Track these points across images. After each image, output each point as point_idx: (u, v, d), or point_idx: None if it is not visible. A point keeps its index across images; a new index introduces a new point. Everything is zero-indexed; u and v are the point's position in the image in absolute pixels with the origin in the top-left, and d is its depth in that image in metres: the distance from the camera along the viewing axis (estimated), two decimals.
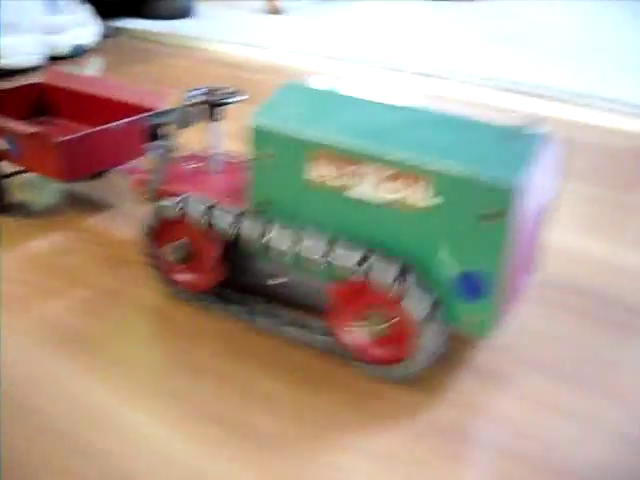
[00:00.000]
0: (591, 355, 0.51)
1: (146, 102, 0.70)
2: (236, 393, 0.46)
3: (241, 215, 0.50)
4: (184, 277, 0.54)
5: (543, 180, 0.45)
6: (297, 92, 0.51)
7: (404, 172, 0.43)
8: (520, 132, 0.43)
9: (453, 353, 0.50)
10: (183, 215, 0.51)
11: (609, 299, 0.58)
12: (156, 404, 0.45)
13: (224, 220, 0.50)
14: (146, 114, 0.67)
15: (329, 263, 0.46)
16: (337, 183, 0.46)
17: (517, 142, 0.43)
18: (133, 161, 0.67)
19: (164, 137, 0.56)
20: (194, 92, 0.57)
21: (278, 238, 0.48)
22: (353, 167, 0.45)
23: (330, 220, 0.47)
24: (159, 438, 0.42)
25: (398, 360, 0.46)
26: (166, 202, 0.52)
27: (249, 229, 0.49)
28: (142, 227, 0.54)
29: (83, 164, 0.64)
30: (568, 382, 0.48)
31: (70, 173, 0.63)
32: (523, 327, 0.52)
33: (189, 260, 0.53)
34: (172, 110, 0.58)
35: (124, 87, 0.75)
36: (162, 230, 0.54)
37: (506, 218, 0.41)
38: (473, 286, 0.44)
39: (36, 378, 0.47)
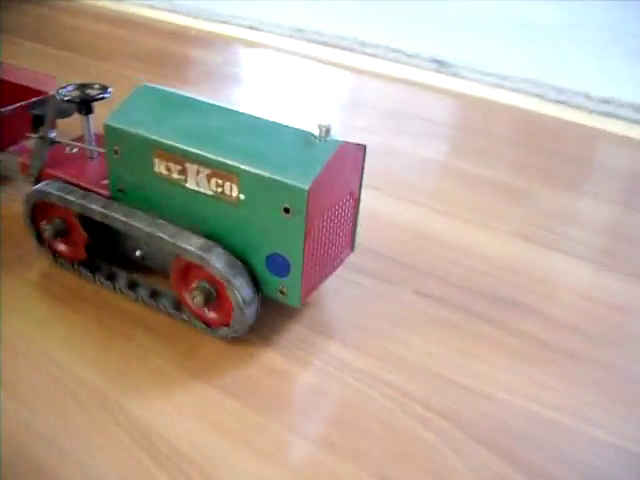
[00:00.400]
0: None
1: (36, 85, 0.77)
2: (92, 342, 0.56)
3: (105, 201, 0.59)
4: (60, 249, 0.64)
5: (338, 178, 0.54)
6: (149, 94, 0.59)
7: (218, 171, 0.52)
8: (320, 139, 0.52)
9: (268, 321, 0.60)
10: (54, 198, 0.60)
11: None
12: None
13: (88, 204, 0.59)
14: (33, 99, 0.74)
15: (174, 244, 0.55)
16: (176, 176, 0.55)
17: (315, 148, 0.52)
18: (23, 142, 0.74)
19: (43, 125, 0.64)
20: (67, 88, 0.64)
21: (135, 220, 0.57)
22: (182, 164, 0.54)
23: (174, 206, 0.56)
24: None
25: (225, 324, 0.56)
26: (40, 186, 0.61)
27: (109, 212, 0.58)
28: (23, 206, 0.63)
29: None
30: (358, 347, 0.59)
31: None
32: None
33: (62, 236, 0.62)
34: (49, 102, 0.66)
35: (14, 69, 0.81)
36: (40, 209, 0.63)
37: (302, 212, 0.50)
38: (280, 265, 0.53)
39: None
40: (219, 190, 0.53)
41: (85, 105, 0.64)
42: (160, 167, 0.55)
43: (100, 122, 0.59)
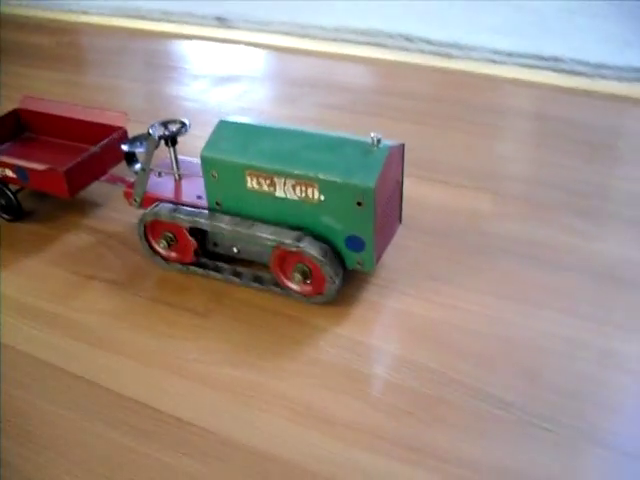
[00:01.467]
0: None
1: (110, 121, 0.93)
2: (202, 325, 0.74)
3: (206, 213, 0.76)
4: (171, 255, 0.81)
5: (391, 173, 0.72)
6: (229, 127, 0.75)
7: (301, 181, 0.70)
8: (374, 146, 0.69)
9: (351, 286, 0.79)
10: (164, 216, 0.77)
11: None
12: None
13: (194, 217, 0.76)
14: (116, 134, 0.91)
15: (274, 239, 0.73)
16: (266, 189, 0.72)
17: (372, 154, 0.69)
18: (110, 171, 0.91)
19: (145, 158, 0.80)
20: (154, 126, 0.81)
21: (235, 225, 0.74)
22: (271, 179, 0.71)
23: (265, 211, 0.74)
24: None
25: (319, 292, 0.74)
26: (153, 208, 0.78)
27: (212, 221, 0.76)
28: (138, 227, 0.80)
29: (81, 182, 0.88)
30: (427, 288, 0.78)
31: (72, 191, 0.87)
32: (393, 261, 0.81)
33: (173, 245, 0.80)
34: (141, 139, 0.83)
35: (87, 109, 0.97)
36: (151, 226, 0.80)
37: (371, 203, 0.68)
38: (357, 243, 0.71)
39: None
40: (303, 195, 0.71)
41: (172, 139, 0.81)
42: (252, 183, 0.73)
43: None
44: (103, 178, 0.90)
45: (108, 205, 0.95)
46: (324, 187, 0.69)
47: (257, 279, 0.78)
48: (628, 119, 1.16)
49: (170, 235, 0.79)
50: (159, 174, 0.84)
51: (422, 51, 1.44)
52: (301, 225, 0.73)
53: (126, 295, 0.79)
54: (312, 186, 0.70)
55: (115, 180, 0.90)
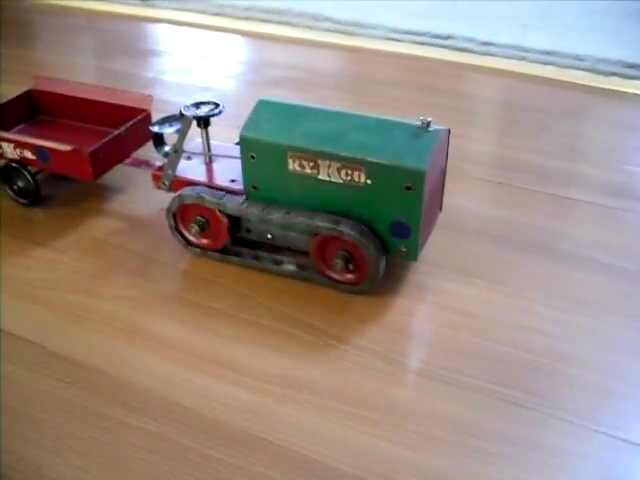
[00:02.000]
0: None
1: (134, 104, 0.90)
2: (245, 309, 0.71)
3: (241, 198, 0.73)
4: (202, 242, 0.78)
5: (438, 158, 0.69)
6: (268, 107, 0.72)
7: (347, 164, 0.67)
8: (423, 130, 0.67)
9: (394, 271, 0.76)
10: (199, 200, 0.74)
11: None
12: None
13: (229, 202, 0.73)
14: (141, 116, 0.87)
15: (314, 224, 0.70)
16: (309, 171, 0.69)
17: (422, 137, 0.67)
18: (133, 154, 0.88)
19: (178, 140, 0.77)
20: (187, 107, 0.77)
21: (273, 212, 0.72)
22: (315, 162, 0.69)
23: (307, 194, 0.71)
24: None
25: (362, 281, 0.72)
26: (185, 190, 0.75)
27: (244, 205, 0.73)
28: (167, 210, 0.77)
29: (105, 164, 0.84)
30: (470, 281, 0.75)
31: (97, 174, 0.83)
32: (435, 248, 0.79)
33: (204, 231, 0.76)
34: (170, 121, 0.79)
35: (109, 91, 0.93)
36: (182, 210, 0.76)
37: (421, 188, 0.66)
38: (402, 230, 0.69)
39: None
40: (348, 178, 0.68)
41: (204, 121, 0.78)
42: (294, 165, 0.70)
43: None
44: (127, 161, 0.87)
45: (128, 190, 0.92)
46: (372, 170, 0.67)
47: (301, 267, 0.76)
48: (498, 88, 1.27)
49: (202, 219, 0.76)
50: (188, 157, 0.81)
51: (327, 29, 1.50)
52: (343, 210, 0.70)
53: (145, 284, 0.76)
54: (359, 169, 0.67)
55: (139, 163, 0.86)
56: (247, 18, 1.58)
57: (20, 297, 0.74)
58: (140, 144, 0.89)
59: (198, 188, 0.76)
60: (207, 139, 0.80)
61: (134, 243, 0.82)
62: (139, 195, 0.91)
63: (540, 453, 0.57)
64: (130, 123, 0.86)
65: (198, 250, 0.79)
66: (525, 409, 0.61)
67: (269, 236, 0.76)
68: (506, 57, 1.34)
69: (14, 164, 0.86)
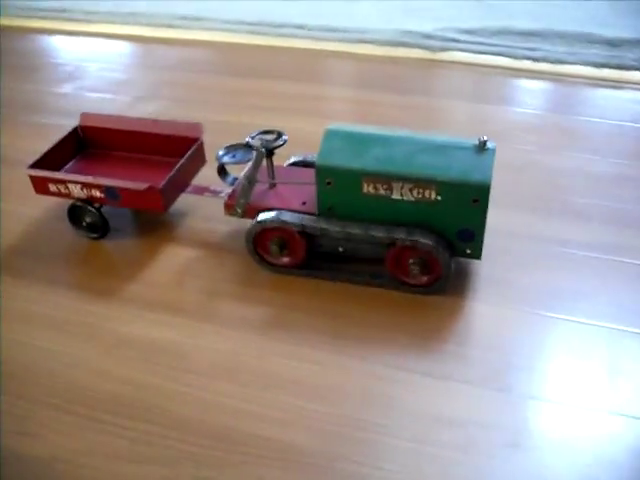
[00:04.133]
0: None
1: (185, 133, 0.96)
2: (330, 317, 0.81)
3: (317, 218, 0.82)
4: (281, 261, 0.87)
5: None
6: (337, 135, 0.81)
7: (419, 184, 0.77)
8: (481, 148, 0.77)
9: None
10: (282, 223, 0.82)
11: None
12: None
13: (309, 223, 0.82)
14: (196, 145, 0.93)
15: (394, 237, 0.80)
16: (382, 193, 0.79)
17: (482, 155, 0.77)
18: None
19: (252, 169, 0.84)
20: (252, 136, 0.85)
21: (355, 228, 0.81)
22: (388, 184, 0.78)
23: (379, 213, 0.80)
24: None
25: (434, 282, 0.82)
26: (266, 215, 0.83)
27: (324, 225, 0.82)
28: (248, 234, 0.85)
29: (173, 195, 0.91)
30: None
31: (168, 206, 0.90)
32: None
33: (283, 250, 0.85)
34: (235, 151, 0.87)
35: (158, 122, 0.99)
36: (261, 233, 0.85)
37: (486, 200, 0.76)
38: (468, 235, 0.79)
39: None
40: (420, 196, 0.78)
41: (271, 150, 0.85)
42: (368, 188, 0.79)
43: None
44: (188, 190, 0.93)
45: (193, 215, 0.99)
46: (442, 188, 0.77)
47: (374, 276, 0.85)
48: None
49: (281, 240, 0.85)
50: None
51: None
52: (415, 222, 0.80)
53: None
54: (430, 188, 0.77)
55: (202, 191, 0.93)
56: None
57: None
58: (196, 172, 0.96)
59: (276, 212, 0.84)
60: (272, 166, 0.87)
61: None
62: (203, 219, 0.98)
63: None
64: (189, 153, 0.92)
65: (273, 268, 0.87)
66: None
67: (340, 249, 0.85)
68: None
69: (80, 203, 0.92)
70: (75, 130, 1.01)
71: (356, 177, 0.79)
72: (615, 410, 0.69)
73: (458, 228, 0.79)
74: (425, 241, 0.79)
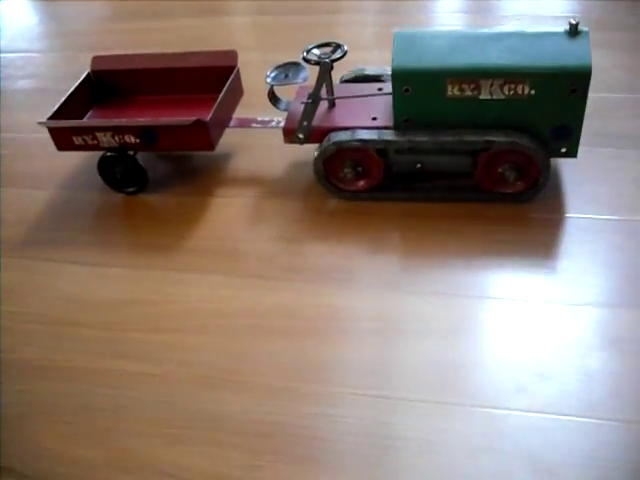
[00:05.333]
0: None
1: (220, 62, 0.85)
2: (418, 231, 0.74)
3: (398, 132, 0.74)
4: (357, 185, 0.78)
5: None
6: (408, 38, 0.72)
7: (510, 78, 0.69)
8: (573, 32, 0.70)
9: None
10: (361, 143, 0.74)
11: None
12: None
13: (392, 137, 0.74)
14: (233, 73, 0.83)
15: (486, 140, 0.72)
16: (469, 94, 0.71)
17: (575, 40, 0.70)
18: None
19: (314, 90, 0.75)
20: (309, 50, 0.75)
21: (442, 136, 0.73)
22: (476, 82, 0.70)
23: (466, 116, 0.72)
24: None
25: (531, 187, 0.75)
26: (341, 136, 0.74)
27: (410, 137, 0.73)
28: (316, 160, 0.76)
29: (219, 131, 0.81)
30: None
31: (216, 143, 0.80)
32: None
33: (359, 174, 0.76)
34: (286, 71, 0.77)
35: (180, 55, 0.88)
36: (332, 158, 0.76)
37: (585, 89, 0.69)
38: (564, 133, 0.72)
39: None
40: (511, 93, 0.70)
41: (331, 65, 0.76)
42: (453, 91, 0.71)
43: None
44: (232, 124, 0.83)
45: (240, 154, 0.89)
46: (536, 80, 0.69)
47: (453, 190, 0.78)
48: None
49: (356, 162, 0.76)
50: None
51: None
52: (505, 123, 0.72)
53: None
54: (523, 82, 0.69)
55: (248, 122, 0.83)
56: None
57: None
58: (236, 103, 0.85)
59: (351, 131, 0.75)
60: (331, 82, 0.78)
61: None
62: (258, 154, 0.88)
63: None
64: (229, 83, 0.82)
65: (349, 194, 0.79)
66: None
67: (418, 165, 0.77)
68: None
69: (110, 153, 0.81)
70: (88, 77, 0.89)
71: (439, 79, 0.70)
72: None
73: (554, 125, 0.72)
74: (524, 142, 0.71)
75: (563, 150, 0.74)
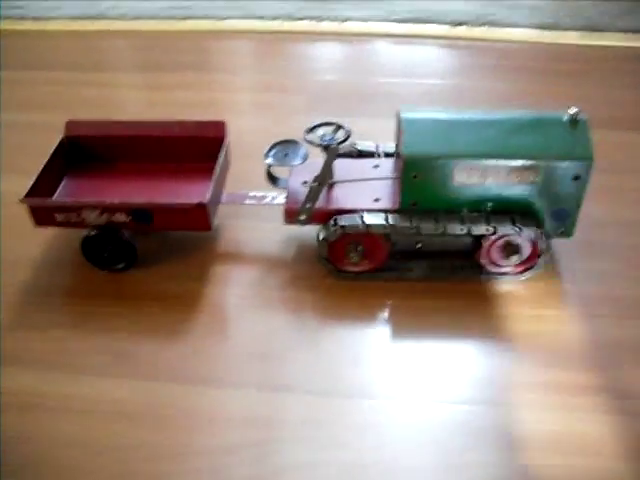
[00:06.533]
0: None
1: (208, 133, 0.82)
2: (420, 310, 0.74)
3: (403, 217, 0.74)
4: (360, 266, 0.77)
5: None
6: (415, 123, 0.72)
7: (517, 168, 0.71)
8: (574, 122, 0.72)
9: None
10: (366, 228, 0.73)
11: None
12: None
13: (398, 222, 0.73)
14: (223, 146, 0.80)
15: (492, 227, 0.73)
16: (476, 180, 0.71)
17: (575, 130, 0.72)
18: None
19: (322, 172, 0.73)
20: (310, 134, 0.74)
21: (449, 224, 0.73)
22: (484, 171, 0.71)
23: (471, 201, 0.73)
24: None
25: (530, 267, 0.77)
26: (347, 220, 0.73)
27: (417, 224, 0.73)
28: (321, 242, 0.75)
29: (215, 211, 0.77)
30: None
31: (213, 224, 0.76)
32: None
33: (364, 257, 0.76)
34: (286, 151, 0.75)
35: (178, 123, 0.84)
36: (337, 241, 0.75)
37: (588, 176, 0.71)
38: (563, 215, 0.75)
39: None
40: (518, 179, 0.72)
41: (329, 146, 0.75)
42: (460, 177, 0.71)
43: None
44: (225, 200, 0.80)
45: (230, 226, 0.85)
46: (544, 169, 0.71)
47: (455, 270, 0.79)
48: None
49: (360, 245, 0.75)
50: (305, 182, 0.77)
51: None
52: (507, 207, 0.74)
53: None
54: (531, 169, 0.71)
55: (242, 199, 0.80)
56: None
57: None
58: (225, 177, 0.82)
59: (357, 215, 0.74)
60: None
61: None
62: (246, 230, 0.85)
63: None
64: (222, 157, 0.79)
65: (351, 275, 0.78)
66: None
67: (418, 245, 0.78)
68: None
69: (94, 232, 0.76)
70: (61, 144, 0.83)
71: (449, 166, 0.71)
72: None
73: (555, 208, 0.74)
74: (529, 228, 0.73)
75: (560, 230, 0.77)
